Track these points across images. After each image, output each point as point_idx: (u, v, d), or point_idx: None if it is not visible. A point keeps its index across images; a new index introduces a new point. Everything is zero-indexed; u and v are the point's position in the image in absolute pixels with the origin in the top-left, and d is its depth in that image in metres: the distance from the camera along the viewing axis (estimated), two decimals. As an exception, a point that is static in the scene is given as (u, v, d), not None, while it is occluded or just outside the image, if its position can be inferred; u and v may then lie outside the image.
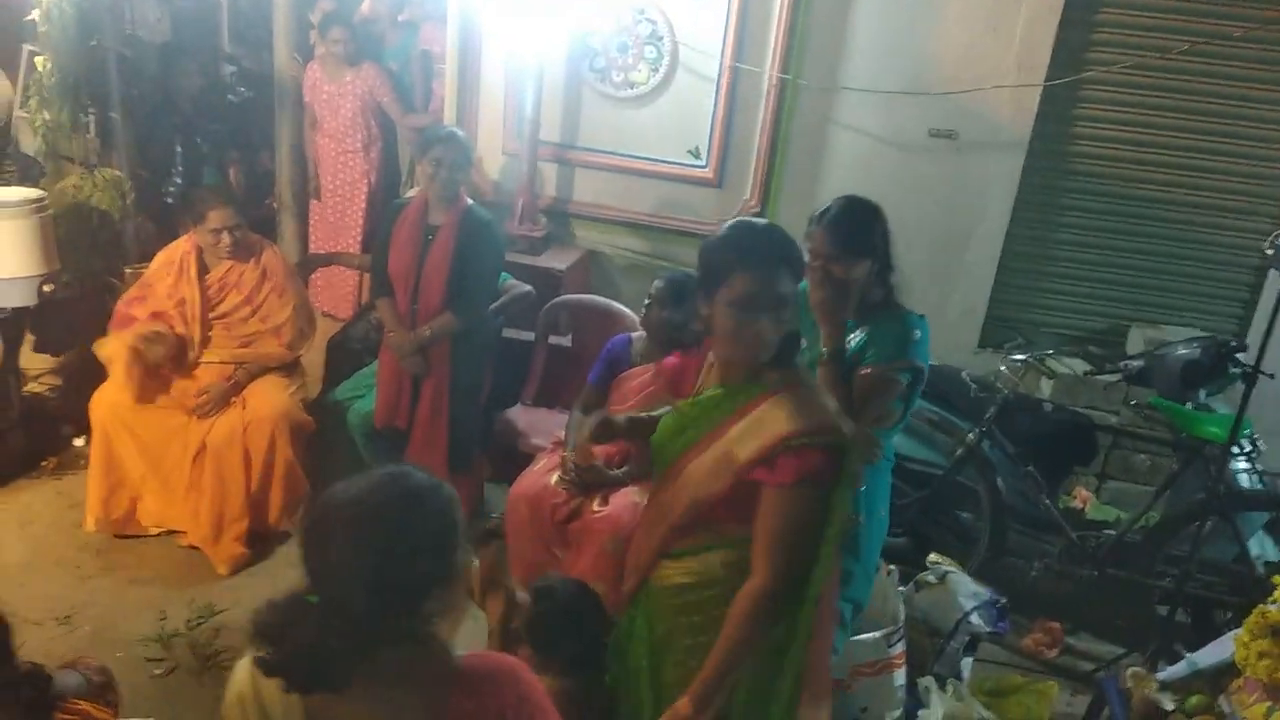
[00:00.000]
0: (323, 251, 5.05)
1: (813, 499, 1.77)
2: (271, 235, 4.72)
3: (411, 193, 4.38)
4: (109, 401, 3.42)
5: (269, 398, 3.47)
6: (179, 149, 5.08)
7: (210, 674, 2.96)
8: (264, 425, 3.42)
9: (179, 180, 5.11)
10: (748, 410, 1.83)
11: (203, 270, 3.52)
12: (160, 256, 3.59)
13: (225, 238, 3.42)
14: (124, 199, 4.22)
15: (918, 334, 2.41)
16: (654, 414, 2.07)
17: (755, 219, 2.14)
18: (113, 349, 3.37)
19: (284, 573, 3.46)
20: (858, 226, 2.38)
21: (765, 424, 1.79)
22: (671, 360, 2.16)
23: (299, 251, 5.23)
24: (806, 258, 2.37)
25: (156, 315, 3.47)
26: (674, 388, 2.08)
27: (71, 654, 2.87)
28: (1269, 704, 2.34)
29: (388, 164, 5.15)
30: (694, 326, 1.93)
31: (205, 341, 3.53)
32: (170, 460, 3.45)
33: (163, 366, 3.43)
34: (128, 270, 4.16)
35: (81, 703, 1.95)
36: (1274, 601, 2.48)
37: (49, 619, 3.10)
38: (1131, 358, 3.88)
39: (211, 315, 3.52)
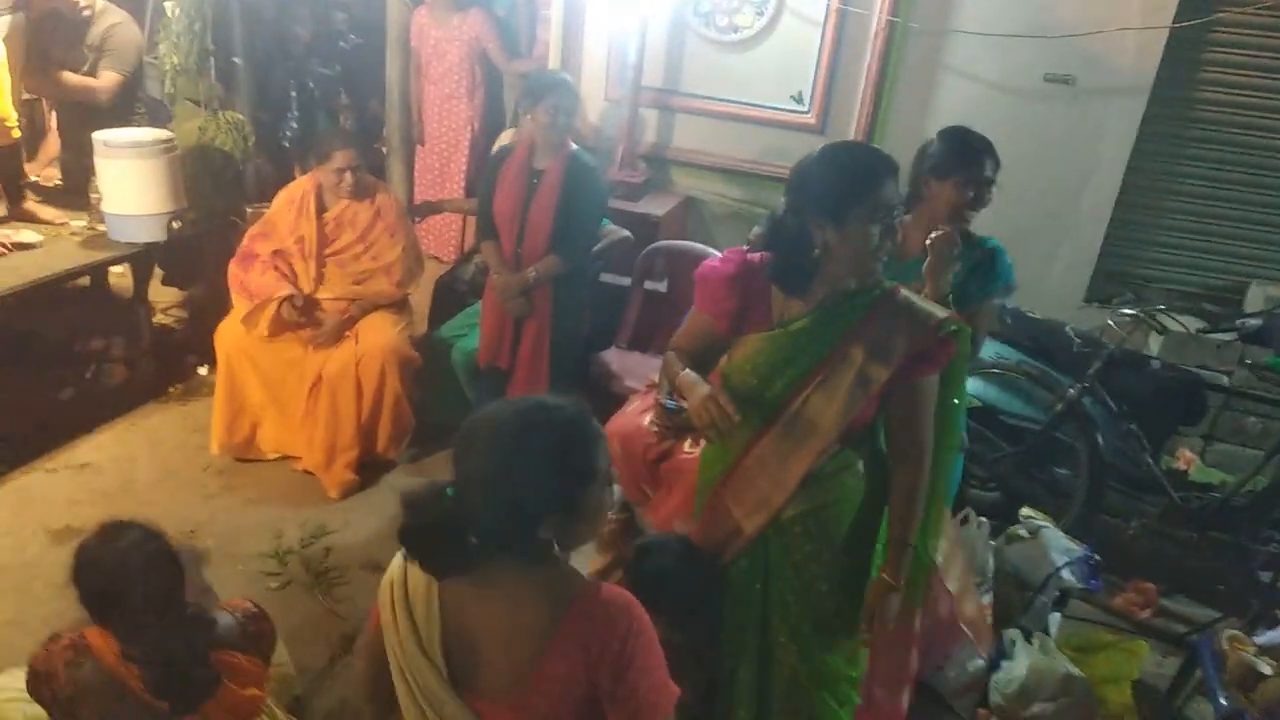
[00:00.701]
0: (429, 198, 5.18)
1: (939, 374, 1.95)
2: (380, 177, 4.86)
3: (505, 137, 4.45)
4: (233, 334, 3.62)
5: (380, 333, 3.62)
6: (293, 94, 5.25)
7: (321, 589, 3.15)
8: (375, 359, 3.58)
9: (294, 124, 5.29)
10: (868, 321, 1.88)
11: (320, 209, 3.67)
12: (282, 195, 3.75)
13: (348, 177, 3.56)
14: (245, 141, 4.40)
15: (1006, 257, 2.51)
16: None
17: (846, 141, 2.16)
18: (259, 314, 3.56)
19: (389, 499, 3.64)
20: (995, 156, 2.48)
21: (901, 326, 1.87)
22: (726, 304, 2.00)
23: (405, 196, 5.39)
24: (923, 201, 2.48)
25: (278, 253, 3.64)
26: (734, 325, 1.99)
27: (197, 566, 3.14)
28: (1374, 674, 2.28)
29: (491, 110, 5.23)
30: (809, 257, 1.85)
31: (320, 278, 3.68)
32: (288, 390, 3.64)
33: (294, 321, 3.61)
34: (249, 209, 4.37)
35: (236, 655, 1.99)
36: (1386, 571, 2.41)
37: (176, 533, 3.28)
38: (1249, 316, 3.73)
39: (326, 252, 3.67)
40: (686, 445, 3.18)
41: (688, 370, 1.96)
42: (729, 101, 4.61)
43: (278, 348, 3.61)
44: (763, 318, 1.96)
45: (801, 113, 4.51)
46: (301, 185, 3.71)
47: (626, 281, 4.20)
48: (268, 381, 3.65)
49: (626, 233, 4.02)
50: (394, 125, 5.46)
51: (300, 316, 3.58)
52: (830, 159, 1.88)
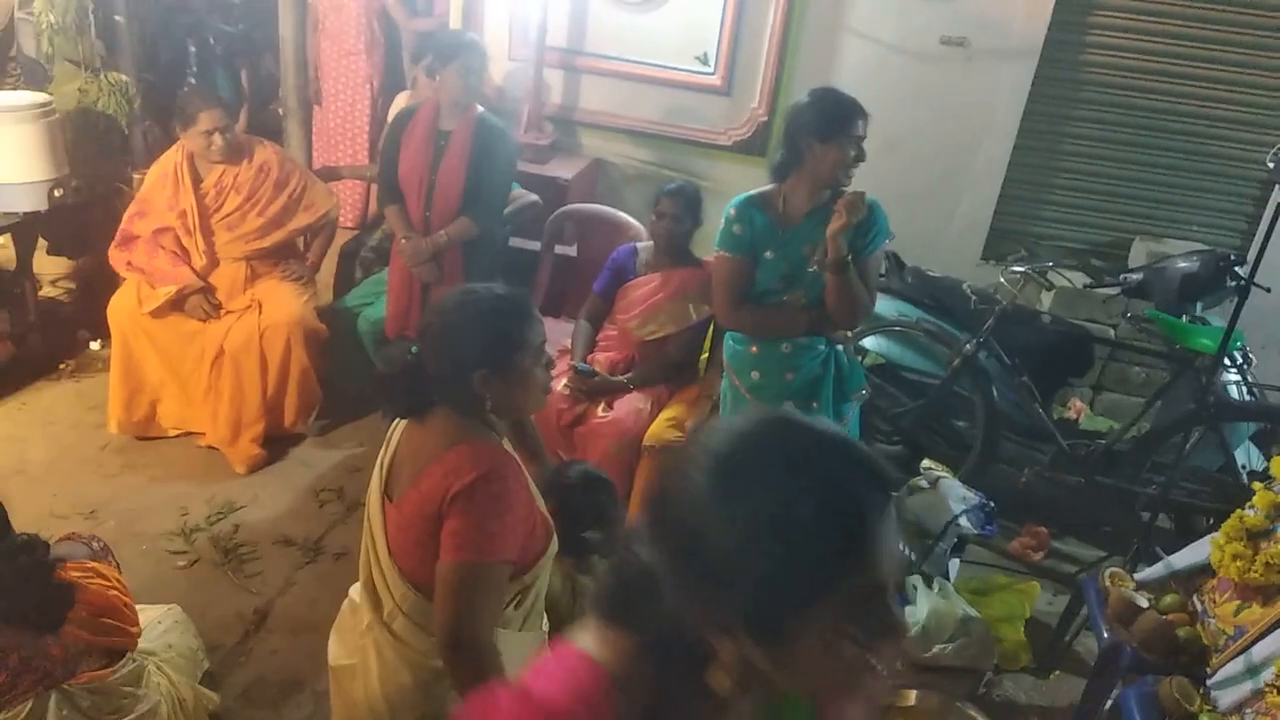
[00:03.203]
0: (328, 163, 5.04)
1: None
2: (277, 141, 4.69)
3: (402, 99, 4.34)
4: (126, 308, 3.49)
5: (285, 304, 3.54)
6: (193, 49, 5.02)
7: (230, 565, 3.09)
8: (280, 331, 3.49)
9: (194, 82, 5.07)
10: None
11: (196, 178, 3.53)
12: (154, 170, 3.59)
13: (216, 140, 3.42)
14: (130, 103, 4.20)
15: (882, 210, 2.57)
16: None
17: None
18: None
19: (298, 472, 3.59)
20: (865, 114, 2.52)
21: None
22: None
23: (304, 160, 5.21)
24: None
25: (160, 231, 3.50)
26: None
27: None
28: (1239, 602, 2.46)
29: (390, 68, 5.09)
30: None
31: (212, 249, 3.57)
32: (188, 365, 3.54)
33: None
34: (135, 175, 4.18)
35: (82, 563, 2.16)
36: (1252, 507, 2.59)
37: (74, 514, 3.23)
38: (1131, 271, 3.91)
39: (213, 222, 3.55)
40: (600, 409, 3.22)
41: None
42: (635, 62, 4.58)
43: (174, 321, 3.50)
44: None
45: (707, 74, 4.51)
46: (171, 157, 3.54)
47: (536, 246, 4.17)
48: (166, 357, 3.54)
49: (535, 196, 3.98)
50: (290, 85, 5.23)
51: (211, 309, 3.52)
52: None
